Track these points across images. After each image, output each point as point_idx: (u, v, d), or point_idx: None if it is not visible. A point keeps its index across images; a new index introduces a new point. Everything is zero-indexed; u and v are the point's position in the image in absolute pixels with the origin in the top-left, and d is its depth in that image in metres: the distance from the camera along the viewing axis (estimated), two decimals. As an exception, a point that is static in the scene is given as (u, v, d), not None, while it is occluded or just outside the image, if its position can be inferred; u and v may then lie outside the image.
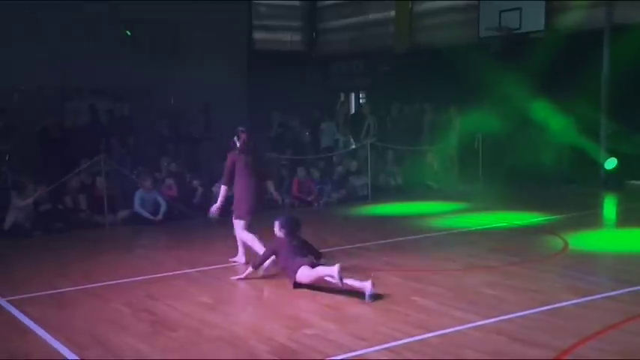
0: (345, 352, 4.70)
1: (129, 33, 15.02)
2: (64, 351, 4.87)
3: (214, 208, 7.63)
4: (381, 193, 12.98)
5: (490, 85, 13.69)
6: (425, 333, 5.02)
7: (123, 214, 10.54)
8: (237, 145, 7.47)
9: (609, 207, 12.40)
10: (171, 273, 7.25)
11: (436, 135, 15.04)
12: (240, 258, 7.60)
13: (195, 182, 11.32)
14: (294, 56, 18.89)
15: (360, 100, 18.63)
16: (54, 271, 7.45)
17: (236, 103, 16.01)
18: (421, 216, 10.74)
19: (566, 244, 8.20)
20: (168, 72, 14.77)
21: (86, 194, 10.50)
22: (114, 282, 6.88)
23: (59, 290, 6.62)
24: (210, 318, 5.57)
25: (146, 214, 10.42)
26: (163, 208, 10.51)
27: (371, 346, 4.78)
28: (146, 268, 7.50)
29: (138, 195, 10.49)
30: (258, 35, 18.44)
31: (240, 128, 7.56)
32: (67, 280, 7.03)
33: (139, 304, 6.04)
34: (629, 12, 13.44)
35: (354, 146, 13.93)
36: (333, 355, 4.64)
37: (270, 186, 7.98)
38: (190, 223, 10.54)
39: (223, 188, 7.54)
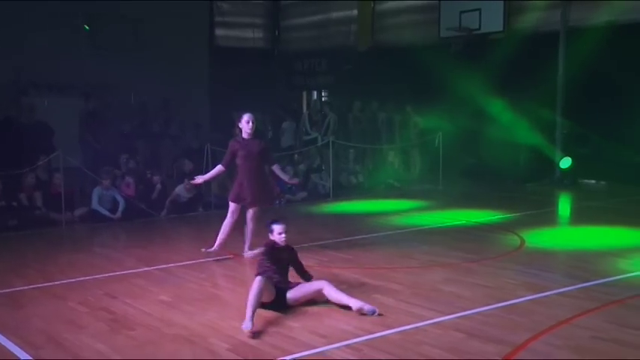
0: (306, 350, 4.72)
1: (87, 27, 14.75)
2: (18, 351, 4.76)
3: (200, 177, 7.79)
4: (343, 192, 13.04)
5: (451, 84, 13.90)
6: (385, 330, 5.08)
7: (80, 211, 10.35)
8: (246, 130, 7.40)
9: (564, 205, 12.72)
10: (130, 271, 7.15)
11: (396, 133, 15.20)
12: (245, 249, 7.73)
13: (155, 179, 11.18)
14: (256, 53, 18.81)
15: (323, 98, 18.67)
16: (9, 270, 7.28)
17: (198, 100, 15.88)
18: (382, 214, 10.84)
19: (522, 241, 8.38)
20: (128, 68, 14.54)
21: (42, 191, 10.27)
22: (71, 280, 6.76)
23: (14, 289, 6.47)
24: (169, 316, 5.52)
25: (104, 212, 10.26)
26: (122, 205, 10.36)
27: (331, 344, 4.82)
28: (104, 266, 7.39)
29: (96, 192, 10.31)
30: (219, 32, 18.31)
31: (246, 114, 7.45)
32: (22, 278, 6.88)
33: (96, 302, 5.95)
34: (584, 14, 13.80)
35: (319, 143, 13.94)
36: (293, 353, 4.65)
37: (278, 170, 7.85)
38: (150, 220, 10.42)
39: (219, 167, 7.66)
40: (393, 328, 5.13)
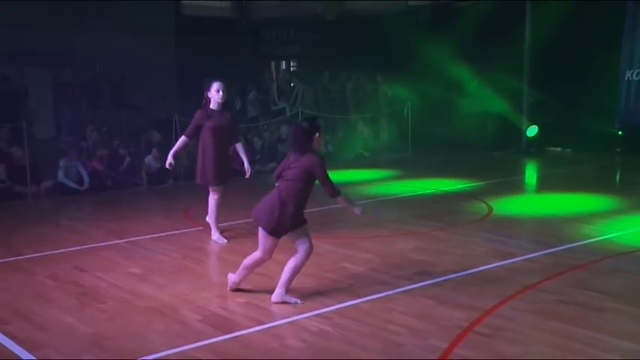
0: (277, 320, 4.76)
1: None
2: (-15, 327, 4.71)
3: (169, 157, 6.88)
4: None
5: (419, 53, 13.90)
6: (355, 299, 5.14)
7: (47, 184, 10.17)
8: (215, 100, 6.74)
9: (530, 173, 12.92)
10: (99, 244, 7.08)
11: (365, 103, 15.19)
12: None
13: (123, 151, 11.03)
14: (223, 23, 18.48)
15: (291, 69, 18.51)
16: (-27, 245, 7.15)
17: (164, 71, 15.58)
18: (352, 184, 10.87)
19: (490, 209, 8.51)
20: (92, 38, 14.17)
21: (5, 164, 10.05)
22: (38, 254, 6.67)
23: (-21, 264, 6.37)
24: (140, 288, 5.50)
25: (71, 184, 10.10)
26: (85, 178, 10.20)
27: (302, 313, 4.86)
28: (73, 239, 7.30)
29: (61, 164, 10.13)
30: (185, 1, 17.92)
31: (216, 82, 6.78)
32: (-13, 253, 6.77)
33: (65, 276, 5.89)
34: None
35: (288, 114, 13.87)
36: (264, 323, 4.68)
37: (241, 149, 7.24)
38: (118, 193, 10.30)
39: (183, 138, 6.87)
40: (364, 296, 5.19)
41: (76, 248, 6.90)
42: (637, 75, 13.58)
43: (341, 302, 5.07)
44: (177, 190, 10.68)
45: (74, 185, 10.11)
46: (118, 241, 7.19)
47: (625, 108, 13.74)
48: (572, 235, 7.05)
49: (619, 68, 13.72)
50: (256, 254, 5.20)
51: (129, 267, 6.15)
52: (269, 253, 5.14)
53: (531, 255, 6.30)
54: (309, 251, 5.10)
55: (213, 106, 6.80)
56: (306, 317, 4.79)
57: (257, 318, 4.78)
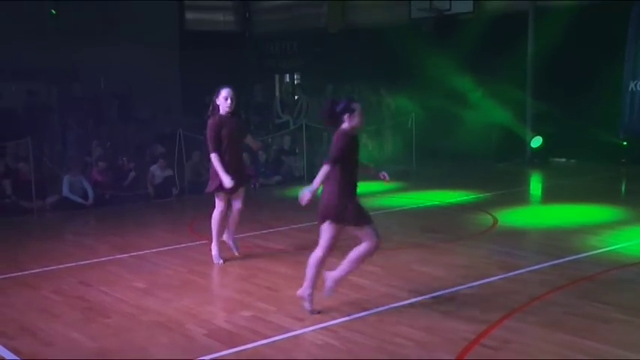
0: (283, 333, 4.74)
1: (54, 12, 14.43)
2: (-9, 342, 4.70)
3: (228, 179, 6.33)
4: (318, 174, 13.01)
5: (422, 65, 13.93)
6: (361, 311, 5.12)
7: (52, 199, 10.20)
8: (224, 107, 6.49)
9: (535, 184, 12.89)
10: (104, 259, 7.09)
11: (369, 115, 15.20)
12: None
13: (130, 165, 11.08)
14: (227, 37, 18.62)
15: (295, 81, 18.58)
16: (-21, 260, 7.16)
17: (169, 85, 15.70)
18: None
19: (495, 220, 8.49)
20: (98, 53, 14.29)
21: (11, 179, 10.09)
22: (44, 269, 6.67)
23: (-15, 280, 6.38)
24: (145, 303, 5.49)
25: (76, 199, 10.13)
26: (90, 192, 10.23)
27: (309, 326, 4.85)
28: (78, 254, 7.30)
29: (66, 180, 10.16)
30: (190, 15, 18.07)
31: (224, 89, 6.56)
32: (-7, 269, 6.77)
33: (70, 291, 5.89)
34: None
35: (292, 127, 13.90)
36: (270, 336, 4.67)
37: (251, 140, 7.03)
38: (123, 207, 10.31)
39: (215, 156, 6.42)
40: (369, 309, 5.17)
41: (81, 263, 6.91)
42: (641, 86, 13.57)
43: (347, 315, 5.05)
44: (182, 203, 10.70)
45: (79, 200, 10.14)
46: (122, 256, 7.19)
47: (629, 118, 13.70)
48: (578, 246, 7.02)
49: (622, 79, 13.71)
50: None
51: (134, 281, 6.15)
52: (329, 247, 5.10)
53: (537, 266, 6.27)
54: (373, 246, 5.02)
55: (222, 112, 6.54)
56: (312, 330, 4.77)
57: (263, 332, 4.76)
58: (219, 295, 5.71)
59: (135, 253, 7.26)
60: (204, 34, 17.84)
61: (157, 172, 10.94)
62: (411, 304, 5.29)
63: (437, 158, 14.56)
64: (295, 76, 18.84)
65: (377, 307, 5.21)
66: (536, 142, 14.34)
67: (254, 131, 13.73)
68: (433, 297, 5.45)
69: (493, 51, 13.70)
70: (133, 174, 10.97)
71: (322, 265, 5.14)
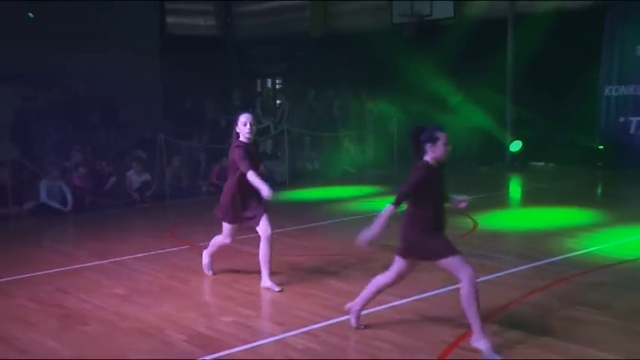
0: (264, 338, 4.73)
1: (32, 15, 14.29)
2: (-34, 351, 4.64)
3: (269, 191, 5.83)
4: (299, 179, 13.04)
5: (404, 70, 14.01)
6: (342, 316, 5.11)
7: (29, 205, 10.08)
8: (244, 134, 5.98)
9: (515, 188, 13.01)
10: (82, 265, 7.02)
11: (351, 120, 15.26)
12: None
13: (109, 170, 11.00)
14: (209, 41, 18.57)
15: (277, 86, 18.59)
16: (-45, 268, 7.05)
17: (149, 90, 15.61)
18: (338, 200, 10.88)
19: (475, 224, 8.54)
20: (77, 57, 14.16)
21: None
22: (20, 277, 6.58)
23: (-39, 287, 6.29)
24: (124, 310, 5.45)
25: (54, 205, 10.02)
26: (69, 197, 10.14)
27: (290, 331, 4.84)
28: (56, 260, 7.22)
29: (43, 185, 10.04)
30: (170, 19, 18.00)
31: (243, 114, 6.12)
32: (-31, 276, 6.67)
33: (47, 298, 5.82)
34: (531, 2, 14.07)
35: (272, 132, 13.89)
36: (251, 342, 4.65)
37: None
38: (104, 212, 10.23)
39: (253, 174, 5.84)
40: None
41: (59, 269, 6.83)
42: (616, 91, 13.79)
43: (327, 319, 5.05)
44: (164, 209, 10.64)
45: (57, 206, 10.03)
46: (102, 262, 7.13)
47: (605, 123, 13.92)
48: (556, 248, 7.09)
49: (598, 84, 13.91)
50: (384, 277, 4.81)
51: (113, 288, 6.09)
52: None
53: (516, 269, 6.32)
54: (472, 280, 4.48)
55: (244, 139, 6.02)
56: (293, 335, 4.77)
57: (244, 337, 4.74)
58: (199, 301, 5.68)
59: (114, 259, 7.20)
60: (186, 38, 17.78)
61: (134, 176, 10.87)
62: (392, 308, 5.30)
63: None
64: (277, 81, 18.85)
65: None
66: (516, 146, 14.48)
67: (226, 138, 13.71)
68: (413, 300, 5.48)
69: (474, 56, 13.82)
70: (113, 179, 10.89)
71: (382, 291, 4.86)
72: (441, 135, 4.65)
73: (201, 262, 6.50)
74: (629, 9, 13.40)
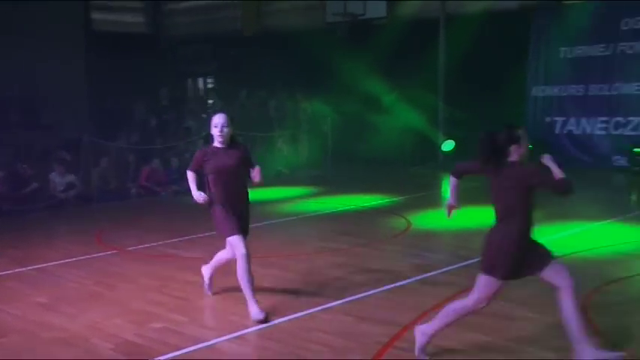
0: (195, 344, 4.58)
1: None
2: None
3: (197, 194, 5.45)
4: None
5: (338, 69, 14.04)
6: (276, 319, 5.03)
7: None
8: (215, 137, 5.37)
9: (447, 187, 13.22)
10: (1, 273, 6.64)
11: (285, 120, 15.18)
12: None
13: (29, 172, 10.50)
14: (137, 39, 18.07)
15: (208, 86, 18.29)
16: None
17: (74, 88, 15.01)
18: (272, 202, 10.77)
19: (409, 223, 8.61)
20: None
21: None
22: None
23: None
24: (47, 319, 5.17)
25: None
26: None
27: (221, 336, 4.71)
28: (-28, 269, 6.82)
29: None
30: (96, 15, 17.40)
31: (215, 115, 5.45)
32: None
33: (-38, 310, 5.47)
34: (461, 2, 14.37)
35: (204, 133, 13.62)
36: (182, 348, 4.50)
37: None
38: (24, 218, 9.75)
39: (189, 175, 5.54)
40: (284, 316, 5.09)
41: (-24, 278, 6.45)
42: (542, 91, 14.24)
43: (261, 323, 4.94)
44: (90, 212, 10.25)
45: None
46: (23, 269, 6.76)
47: (533, 123, 14.36)
48: (488, 246, 7.20)
49: (526, 84, 14.35)
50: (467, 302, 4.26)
51: (35, 296, 5.78)
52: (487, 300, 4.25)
53: (449, 268, 6.39)
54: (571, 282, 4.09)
55: (216, 143, 5.42)
56: (225, 340, 4.65)
57: (174, 343, 4.58)
58: (127, 308, 5.45)
59: (37, 266, 6.86)
60: (113, 35, 17.21)
61: (57, 178, 10.44)
62: (326, 310, 5.25)
63: (352, 163, 14.69)
64: (209, 80, 18.55)
65: (291, 314, 5.13)
66: (448, 145, 14.74)
67: (162, 136, 13.41)
68: (348, 301, 5.43)
69: (407, 56, 13.99)
70: (35, 184, 10.40)
71: (462, 317, 4.29)
72: (521, 133, 4.25)
73: (136, 268, 6.28)
74: (554, 12, 13.88)
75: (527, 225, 4.18)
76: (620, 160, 12.90)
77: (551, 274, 4.12)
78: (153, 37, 18.52)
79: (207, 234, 8.18)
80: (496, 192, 4.27)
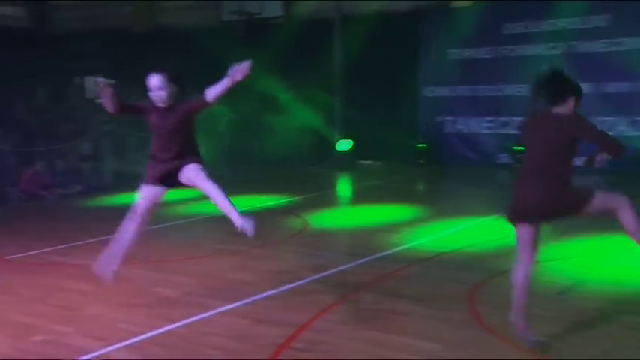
0: (81, 355, 4.34)
1: None
2: None
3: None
4: (124, 183, 12.35)
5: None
6: (169, 324, 4.86)
7: None
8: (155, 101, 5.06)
9: (344, 186, 13.42)
10: None
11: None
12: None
13: None
14: (19, 34, 16.98)
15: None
16: None
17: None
18: (167, 204, 10.41)
19: (306, 223, 8.63)
20: None
21: None
22: None
23: None
24: None
25: None
26: None
27: (110, 345, 4.49)
28: None
29: None
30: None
31: (154, 76, 5.11)
32: None
33: None
34: (356, 3, 14.63)
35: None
36: (65, 361, 4.25)
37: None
38: None
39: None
40: (179, 321, 4.93)
41: None
42: (432, 92, 14.76)
43: (153, 329, 4.76)
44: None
45: None
46: None
47: (424, 123, 14.85)
48: (382, 244, 7.35)
49: (418, 85, 14.81)
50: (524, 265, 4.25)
51: None
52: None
53: (345, 266, 6.44)
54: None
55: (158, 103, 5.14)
56: (115, 349, 4.43)
57: (57, 356, 4.32)
58: (4, 320, 5.08)
59: None
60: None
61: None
62: (221, 313, 5.14)
63: (249, 163, 14.57)
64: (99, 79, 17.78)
65: (186, 319, 4.97)
66: (345, 145, 14.96)
67: (46, 137, 12.69)
68: (244, 303, 5.35)
69: (303, 55, 14.06)
70: None
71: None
72: (581, 91, 4.14)
73: (17, 278, 5.88)
74: (442, 15, 14.40)
75: (570, 174, 4.15)
76: (504, 158, 13.59)
77: (604, 202, 4.14)
78: (35, 31, 17.46)
79: (96, 239, 7.83)
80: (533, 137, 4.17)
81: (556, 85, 4.10)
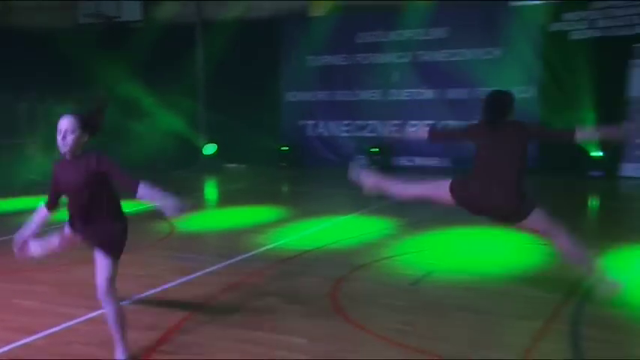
0: None
1: None
2: None
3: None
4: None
5: (95, 72, 13.47)
6: (29, 336, 4.75)
7: None
8: (61, 149, 4.36)
9: (210, 189, 13.47)
10: None
11: (37, 125, 14.14)
12: None
13: None
14: None
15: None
16: None
17: None
18: (24, 212, 9.97)
19: (172, 227, 8.63)
20: None
21: None
22: None
23: None
24: None
25: None
26: None
27: (-39, 364, 4.32)
28: None
29: None
30: None
31: (65, 118, 4.36)
32: None
33: None
34: (216, 9, 14.73)
35: None
36: None
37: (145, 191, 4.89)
38: None
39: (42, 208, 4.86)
40: (40, 332, 4.83)
41: None
42: (294, 97, 15.21)
43: (10, 343, 4.63)
44: None
45: None
46: None
47: (287, 126, 15.26)
48: (248, 245, 7.56)
49: (281, 90, 15.20)
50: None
51: None
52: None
53: (213, 268, 6.57)
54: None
55: (64, 154, 4.41)
56: (-30, 367, 4.28)
57: None
58: None
59: None
60: None
61: None
62: (86, 321, 5.09)
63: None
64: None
65: (48, 329, 4.88)
66: (210, 149, 15.01)
67: None
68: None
69: (165, 60, 13.93)
70: None
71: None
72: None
73: None
74: (300, 23, 14.88)
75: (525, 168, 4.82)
76: (362, 159, 14.34)
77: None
78: None
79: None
80: (493, 148, 4.76)
81: (503, 99, 4.82)
